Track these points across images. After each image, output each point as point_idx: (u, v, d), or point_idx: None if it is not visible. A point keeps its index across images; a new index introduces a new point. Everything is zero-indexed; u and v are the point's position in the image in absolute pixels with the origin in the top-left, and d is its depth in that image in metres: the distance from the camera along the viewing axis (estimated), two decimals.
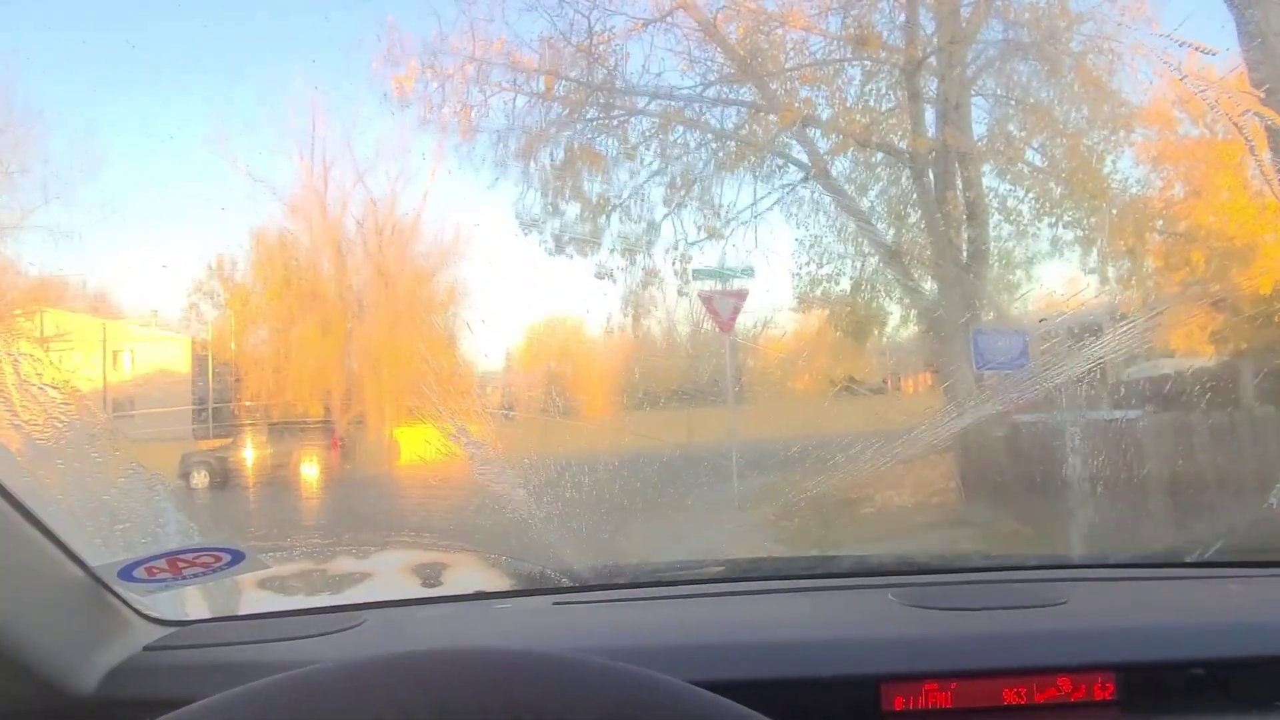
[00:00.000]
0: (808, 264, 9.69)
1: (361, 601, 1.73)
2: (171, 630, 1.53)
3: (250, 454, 9.38)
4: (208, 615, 1.64)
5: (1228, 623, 1.46)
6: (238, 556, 1.53)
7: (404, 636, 1.58)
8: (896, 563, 1.89)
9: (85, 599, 1.39)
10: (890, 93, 9.32)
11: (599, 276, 9.49)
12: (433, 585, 2.10)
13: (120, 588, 1.44)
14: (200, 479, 8.75)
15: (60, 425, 1.69)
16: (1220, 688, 1.30)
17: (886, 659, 1.34)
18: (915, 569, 1.89)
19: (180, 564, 1.48)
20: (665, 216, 9.52)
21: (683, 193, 9.46)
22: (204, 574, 1.50)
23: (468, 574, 2.30)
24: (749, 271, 9.00)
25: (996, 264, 9.04)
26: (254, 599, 1.80)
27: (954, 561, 1.98)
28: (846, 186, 9.36)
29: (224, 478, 8.64)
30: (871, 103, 9.42)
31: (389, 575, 2.23)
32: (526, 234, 9.68)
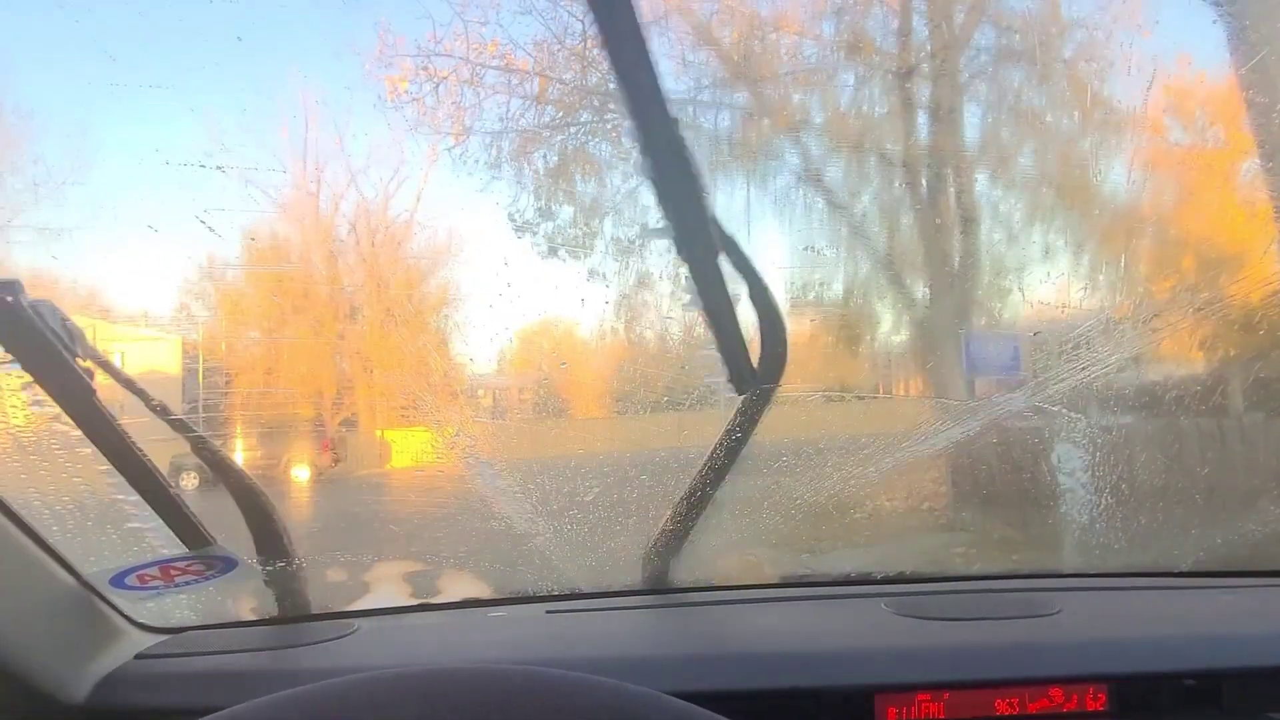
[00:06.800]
0: (800, 268, 9.71)
1: (354, 609, 1.72)
2: (163, 638, 1.52)
3: (240, 456, 9.34)
4: (200, 623, 1.63)
5: (1219, 633, 1.46)
6: (230, 564, 1.53)
7: (396, 645, 1.57)
8: (889, 572, 1.90)
9: (77, 607, 1.38)
10: (883, 98, 9.35)
11: (592, 280, 9.50)
12: (425, 593, 2.09)
13: (112, 595, 1.44)
14: (190, 481, 8.71)
15: (46, 427, 1.67)
16: (1212, 699, 1.31)
17: (880, 669, 1.34)
18: (908, 578, 1.90)
19: (173, 571, 1.48)
20: (659, 220, 9.52)
21: None
22: (196, 581, 1.50)
23: (460, 581, 2.29)
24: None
25: (988, 270, 9.07)
26: (246, 606, 1.79)
27: (947, 571, 1.99)
28: (839, 192, 9.39)
29: (214, 480, 8.59)
30: (864, 108, 9.45)
31: (381, 582, 2.23)
32: (520, 237, 9.68)
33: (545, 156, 9.63)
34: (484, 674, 0.77)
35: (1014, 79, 9.14)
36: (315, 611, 1.70)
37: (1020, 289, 9.39)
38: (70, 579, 1.37)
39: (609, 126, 9.65)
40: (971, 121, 9.25)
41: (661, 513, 1.73)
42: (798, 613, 1.68)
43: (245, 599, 1.78)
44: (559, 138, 9.59)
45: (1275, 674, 1.34)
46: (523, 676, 0.76)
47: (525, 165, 9.64)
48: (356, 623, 1.59)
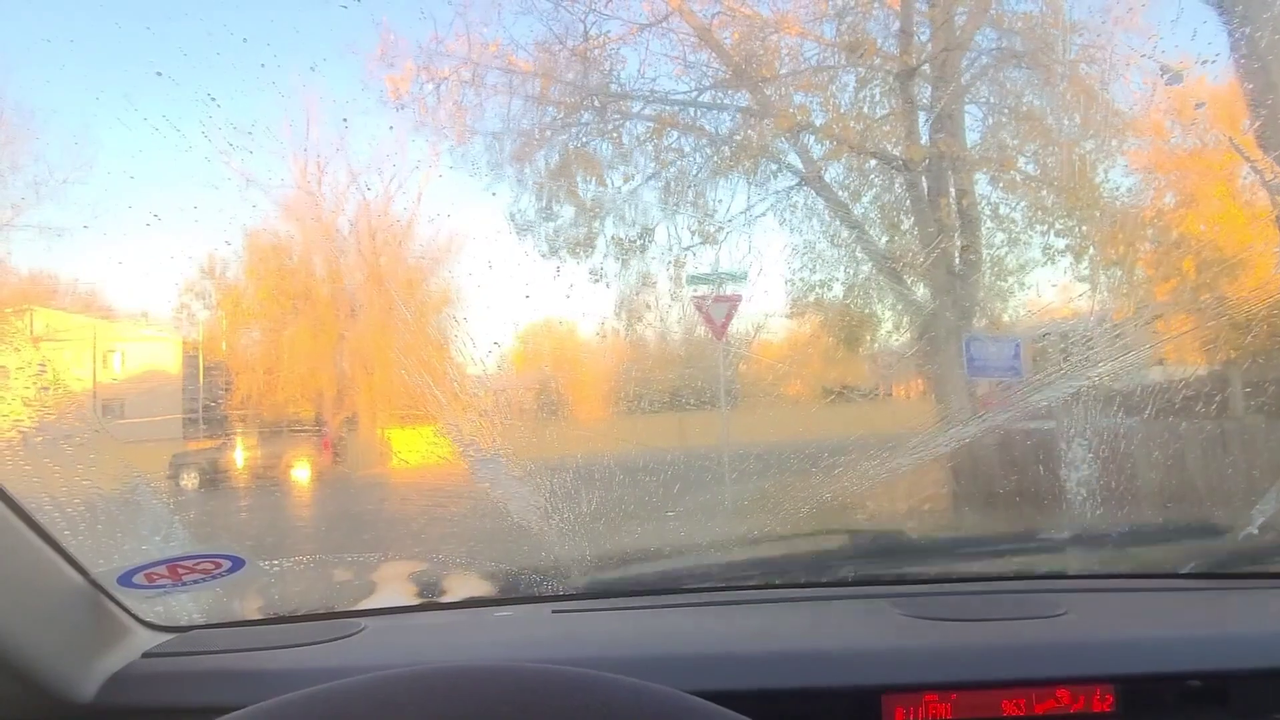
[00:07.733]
0: (801, 270, 9.73)
1: (360, 609, 1.73)
2: (171, 637, 1.52)
3: (241, 456, 9.34)
4: (207, 621, 1.64)
5: (1225, 635, 1.47)
6: (238, 563, 1.53)
7: (403, 644, 1.57)
8: (896, 573, 1.90)
9: (85, 605, 1.38)
10: (884, 100, 9.35)
11: (593, 280, 9.50)
12: (431, 592, 2.09)
13: (120, 594, 1.44)
14: (190, 480, 8.72)
15: (54, 428, 1.68)
16: (1218, 700, 1.31)
17: (887, 670, 1.35)
18: (915, 579, 1.90)
19: (180, 570, 1.48)
20: (659, 221, 9.53)
21: (677, 197, 9.49)
22: (204, 580, 1.50)
23: (465, 581, 2.30)
24: (743, 277, 9.02)
25: (989, 271, 9.08)
26: (253, 606, 1.80)
27: (953, 571, 1.99)
28: (840, 193, 9.39)
29: (214, 479, 8.60)
30: (865, 109, 9.45)
31: (388, 582, 2.23)
32: (521, 237, 9.67)
33: (546, 157, 9.63)
34: (504, 672, 0.77)
35: (1015, 80, 9.14)
36: (322, 611, 1.70)
37: (1021, 289, 9.39)
38: (78, 578, 1.37)
39: (610, 127, 9.65)
40: (972, 124, 9.25)
41: (665, 513, 1.73)
42: (805, 613, 1.68)
43: (252, 598, 1.78)
44: (560, 138, 9.59)
45: None
46: (544, 674, 0.76)
47: (527, 166, 9.63)
48: (363, 622, 1.59)
